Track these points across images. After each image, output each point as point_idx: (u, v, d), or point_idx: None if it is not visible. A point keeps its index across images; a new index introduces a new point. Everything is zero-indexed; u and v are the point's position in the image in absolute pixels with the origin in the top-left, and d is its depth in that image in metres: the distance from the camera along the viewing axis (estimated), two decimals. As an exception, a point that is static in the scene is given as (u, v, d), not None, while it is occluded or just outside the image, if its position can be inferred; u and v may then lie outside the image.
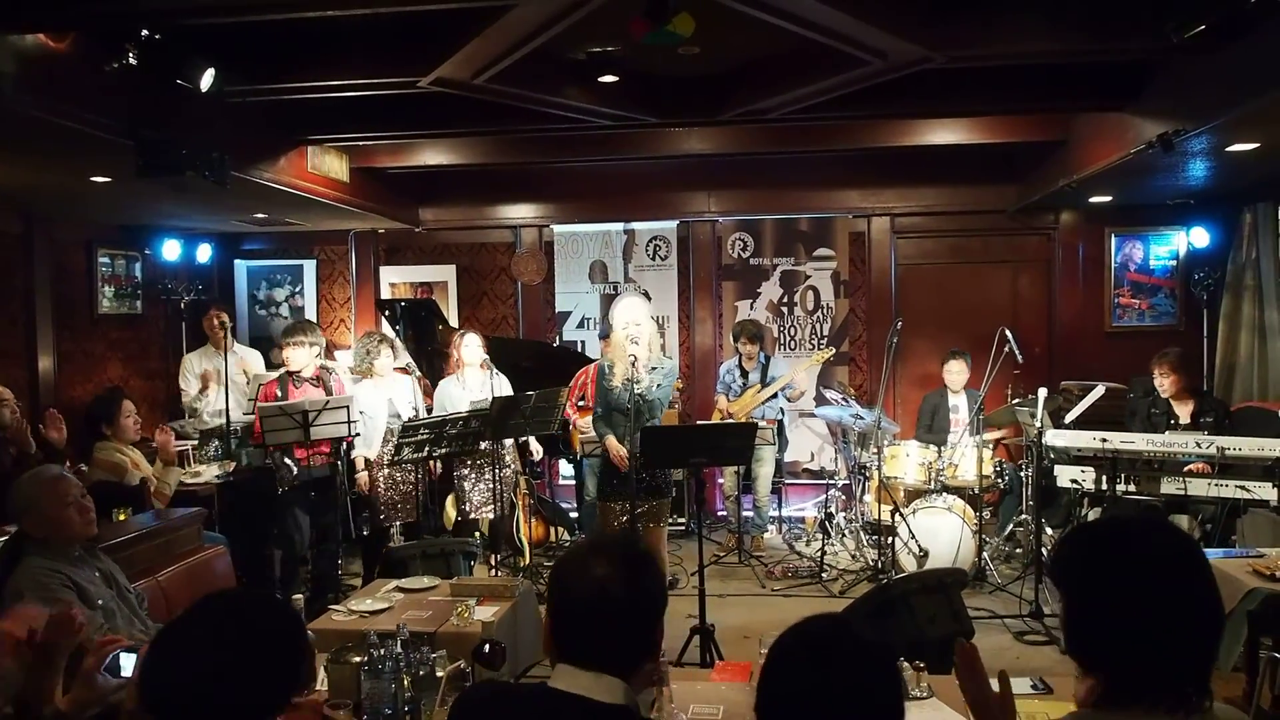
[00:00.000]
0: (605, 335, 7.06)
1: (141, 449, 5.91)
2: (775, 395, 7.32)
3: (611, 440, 5.19)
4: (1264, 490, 5.22)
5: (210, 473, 6.28)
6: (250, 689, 1.71)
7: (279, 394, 5.91)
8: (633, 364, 4.94)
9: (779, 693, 1.62)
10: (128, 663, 2.48)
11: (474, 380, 6.45)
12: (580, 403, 7.12)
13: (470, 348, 6.44)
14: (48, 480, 3.42)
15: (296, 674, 1.82)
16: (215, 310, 7.30)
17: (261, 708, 1.74)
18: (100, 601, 3.33)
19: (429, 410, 6.59)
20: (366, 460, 6.20)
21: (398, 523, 6.22)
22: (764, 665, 1.67)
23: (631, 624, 1.77)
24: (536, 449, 6.85)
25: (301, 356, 5.97)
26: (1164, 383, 6.11)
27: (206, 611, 1.81)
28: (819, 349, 8.27)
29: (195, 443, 6.90)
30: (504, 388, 6.50)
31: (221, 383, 6.84)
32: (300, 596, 3.54)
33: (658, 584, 1.84)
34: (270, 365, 7.64)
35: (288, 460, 5.79)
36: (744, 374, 7.42)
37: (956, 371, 7.23)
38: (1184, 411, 6.06)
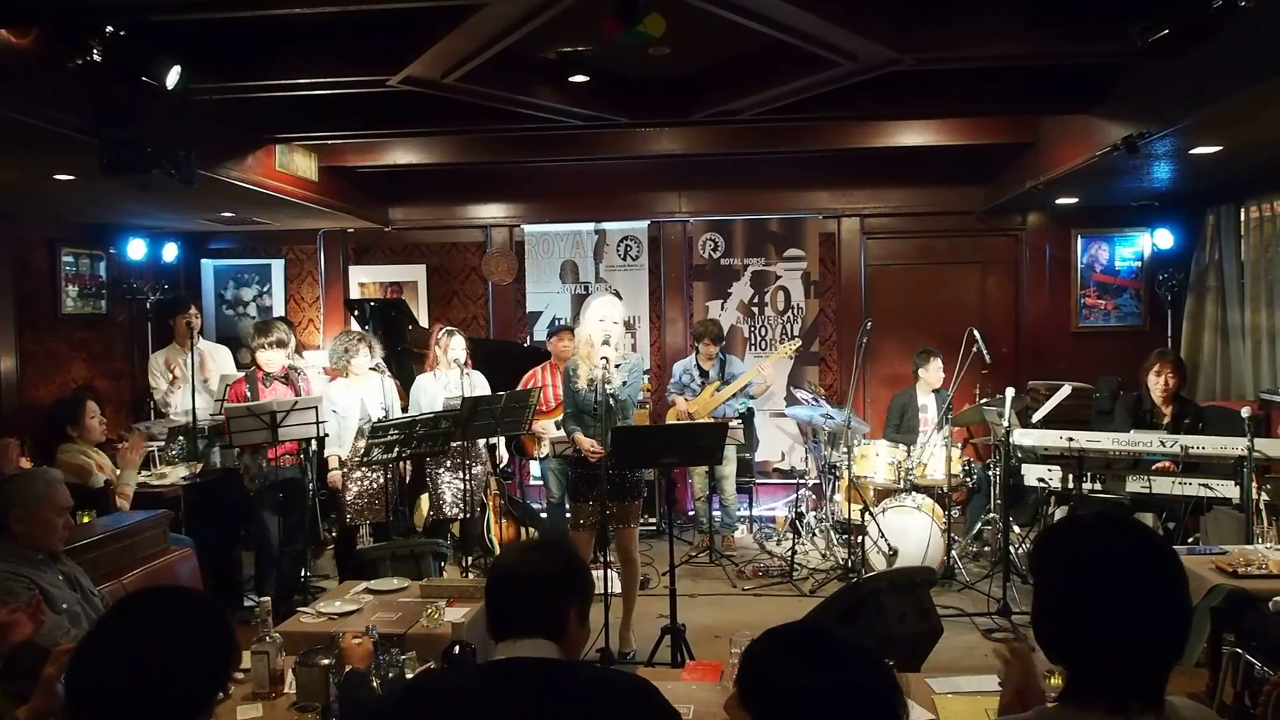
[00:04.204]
0: (560, 330, 7.01)
1: (105, 450, 5.83)
2: (736, 394, 7.29)
3: (579, 435, 5.16)
4: (1227, 488, 5.29)
5: (177, 474, 6.20)
6: (177, 682, 1.69)
7: (248, 393, 5.83)
8: (604, 365, 4.91)
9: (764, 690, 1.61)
10: None
11: (452, 379, 6.42)
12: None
13: (456, 349, 6.40)
14: (51, 483, 3.38)
15: (226, 665, 1.82)
16: (194, 309, 7.21)
17: (191, 700, 1.72)
18: (64, 606, 3.28)
19: (404, 409, 6.54)
20: (340, 459, 6.15)
21: (367, 523, 6.17)
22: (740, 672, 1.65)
23: (541, 591, 2.01)
24: (503, 454, 6.76)
25: (278, 358, 5.90)
26: (1171, 382, 5.92)
27: (127, 609, 1.80)
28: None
29: (162, 444, 6.79)
30: (482, 387, 6.47)
31: (188, 380, 6.75)
32: (268, 598, 3.51)
33: (565, 559, 2.09)
34: (239, 365, 7.54)
35: (261, 462, 5.74)
36: (703, 373, 7.35)
37: (936, 369, 7.26)
38: (1168, 413, 6.01)
